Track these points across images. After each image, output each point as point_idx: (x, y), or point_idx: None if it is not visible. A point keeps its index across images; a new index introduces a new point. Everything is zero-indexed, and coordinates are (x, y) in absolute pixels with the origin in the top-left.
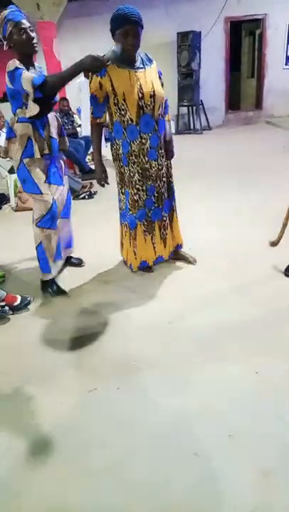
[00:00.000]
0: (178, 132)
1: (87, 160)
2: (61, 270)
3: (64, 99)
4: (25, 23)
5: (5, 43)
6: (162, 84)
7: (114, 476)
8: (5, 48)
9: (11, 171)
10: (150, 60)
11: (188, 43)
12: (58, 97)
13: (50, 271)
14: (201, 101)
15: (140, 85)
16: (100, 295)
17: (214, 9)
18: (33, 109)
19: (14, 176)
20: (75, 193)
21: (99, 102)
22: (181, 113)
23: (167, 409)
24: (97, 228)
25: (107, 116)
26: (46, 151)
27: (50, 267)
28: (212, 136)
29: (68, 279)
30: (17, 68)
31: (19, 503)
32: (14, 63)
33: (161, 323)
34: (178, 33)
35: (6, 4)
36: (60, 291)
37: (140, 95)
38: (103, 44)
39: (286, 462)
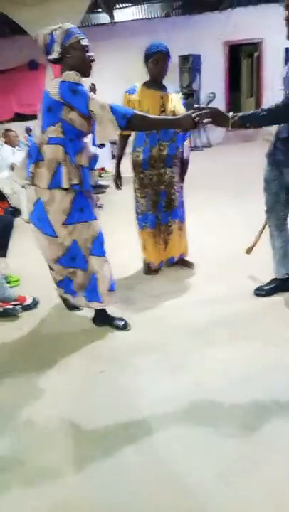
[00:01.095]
0: None
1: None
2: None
3: None
4: (87, 42)
5: (57, 51)
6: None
7: (120, 436)
8: (52, 56)
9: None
10: (177, 91)
11: (189, 66)
12: None
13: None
14: None
15: (163, 103)
16: None
17: (213, 34)
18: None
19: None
20: None
21: None
22: None
23: (164, 384)
24: (106, 237)
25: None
26: (75, 182)
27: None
28: (213, 152)
29: None
30: (81, 85)
31: (36, 475)
32: (78, 76)
33: (162, 317)
34: (179, 56)
35: (18, 33)
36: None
37: (162, 109)
38: (107, 67)
39: (263, 420)
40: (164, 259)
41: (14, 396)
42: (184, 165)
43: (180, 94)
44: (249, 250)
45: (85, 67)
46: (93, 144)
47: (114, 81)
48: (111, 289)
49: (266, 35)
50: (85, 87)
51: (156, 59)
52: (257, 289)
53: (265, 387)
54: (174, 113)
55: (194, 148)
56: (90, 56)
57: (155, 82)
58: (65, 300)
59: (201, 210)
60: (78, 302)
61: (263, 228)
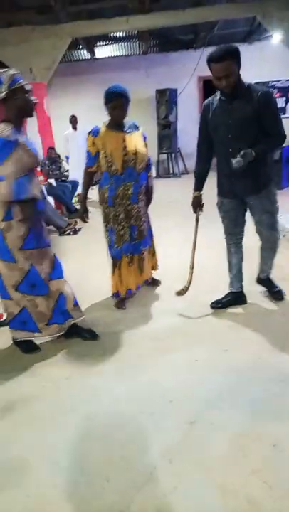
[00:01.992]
0: (158, 176)
1: (73, 201)
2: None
3: (51, 148)
4: (30, 87)
5: (4, 92)
6: (146, 145)
7: (84, 424)
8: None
9: None
10: (137, 128)
11: (166, 99)
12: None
13: (38, 330)
14: (179, 148)
15: (125, 145)
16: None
17: (188, 70)
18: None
19: None
20: (61, 230)
21: (92, 155)
22: (161, 159)
23: (126, 384)
24: (81, 259)
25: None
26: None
27: (39, 328)
28: (189, 179)
29: None
30: (8, 140)
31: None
32: (7, 129)
33: (128, 328)
34: (156, 90)
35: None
36: (33, 348)
37: (125, 152)
38: (89, 101)
39: (206, 411)
40: (141, 283)
41: None
42: (148, 193)
43: (141, 130)
44: (181, 293)
45: (28, 109)
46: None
47: (94, 113)
48: (76, 305)
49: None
50: (10, 141)
51: (115, 105)
52: (213, 303)
53: (211, 383)
54: (135, 153)
55: (172, 175)
56: (32, 100)
57: (116, 124)
58: (22, 344)
59: (172, 233)
60: (50, 332)
61: (192, 266)
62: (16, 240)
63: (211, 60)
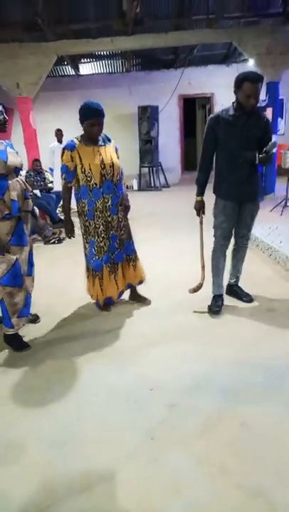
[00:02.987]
0: (140, 189)
1: (57, 211)
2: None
3: (37, 160)
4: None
5: None
6: (118, 157)
7: (76, 409)
8: None
9: None
10: (109, 140)
11: (148, 115)
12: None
13: (12, 326)
14: (160, 163)
15: (102, 158)
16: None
17: (169, 88)
18: None
19: None
20: (46, 239)
21: (70, 171)
22: (142, 173)
23: (113, 376)
24: (66, 266)
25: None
26: (6, 212)
27: (13, 323)
28: (170, 192)
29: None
30: None
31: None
32: None
33: (117, 328)
34: (139, 107)
35: None
36: (23, 346)
37: (102, 166)
38: (71, 114)
39: (186, 397)
40: (123, 289)
41: None
42: (124, 201)
43: (113, 142)
44: (196, 289)
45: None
46: None
47: (77, 127)
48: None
49: (215, 91)
50: None
51: (93, 123)
52: (213, 307)
53: (190, 374)
54: (112, 165)
55: (154, 188)
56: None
57: (91, 139)
58: (13, 341)
59: (156, 242)
60: (20, 325)
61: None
62: (3, 235)
63: (247, 80)
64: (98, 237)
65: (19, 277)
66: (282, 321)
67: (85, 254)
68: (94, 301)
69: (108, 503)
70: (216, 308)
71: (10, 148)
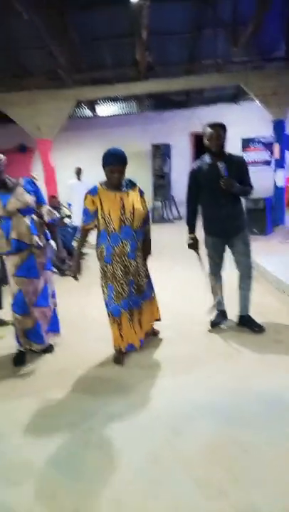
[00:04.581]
0: (153, 222)
1: (73, 243)
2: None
3: (53, 196)
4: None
5: None
6: (144, 201)
7: (82, 431)
8: None
9: None
10: (134, 184)
11: (161, 152)
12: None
13: (20, 344)
14: (172, 196)
15: (123, 204)
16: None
17: (181, 127)
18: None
19: None
20: (62, 272)
21: (90, 213)
22: (156, 206)
23: (119, 404)
24: (82, 296)
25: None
26: (6, 249)
27: (20, 342)
28: (182, 224)
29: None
30: None
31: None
32: None
33: (126, 362)
34: (152, 145)
35: (10, 122)
36: (20, 362)
37: (122, 211)
38: (88, 152)
39: (186, 423)
40: (143, 337)
41: None
42: (146, 247)
43: (137, 187)
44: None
45: None
46: None
47: (96, 165)
48: (50, 330)
49: None
50: None
51: (113, 169)
52: (213, 321)
53: (194, 403)
54: (133, 211)
55: (167, 220)
56: None
57: (113, 185)
58: (19, 355)
59: (167, 273)
60: (26, 345)
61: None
62: (10, 266)
63: (207, 126)
64: (117, 282)
65: (22, 307)
66: None
67: (104, 299)
68: (115, 346)
69: None
70: (216, 320)
71: (22, 189)
